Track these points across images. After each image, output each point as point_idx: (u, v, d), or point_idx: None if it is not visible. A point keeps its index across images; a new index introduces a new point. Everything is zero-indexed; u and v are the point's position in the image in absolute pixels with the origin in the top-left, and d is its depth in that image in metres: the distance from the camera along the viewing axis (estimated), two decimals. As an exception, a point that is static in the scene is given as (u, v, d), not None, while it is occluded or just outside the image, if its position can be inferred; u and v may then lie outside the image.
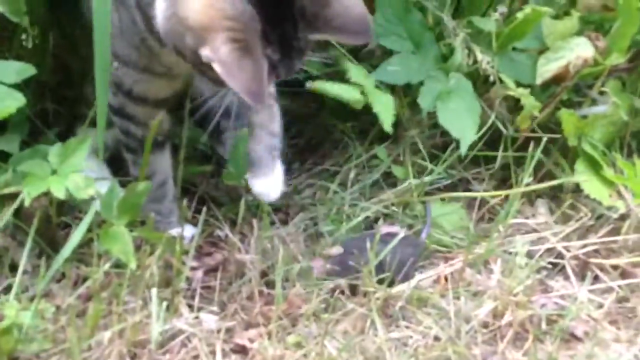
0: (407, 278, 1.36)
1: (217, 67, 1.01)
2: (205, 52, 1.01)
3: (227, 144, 1.58)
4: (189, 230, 1.40)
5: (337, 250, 1.37)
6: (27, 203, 1.18)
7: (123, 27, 1.19)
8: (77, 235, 1.23)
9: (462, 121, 1.54)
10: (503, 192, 1.57)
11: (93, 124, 1.32)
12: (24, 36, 1.61)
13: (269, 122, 1.41)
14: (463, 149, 1.53)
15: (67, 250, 1.22)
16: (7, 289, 1.25)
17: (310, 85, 1.47)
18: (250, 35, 1.02)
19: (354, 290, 1.34)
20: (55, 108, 1.66)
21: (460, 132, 1.54)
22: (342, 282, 1.34)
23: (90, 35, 1.33)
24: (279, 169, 1.41)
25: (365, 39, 1.19)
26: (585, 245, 1.47)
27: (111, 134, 1.44)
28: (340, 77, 1.57)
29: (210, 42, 1.00)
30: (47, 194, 1.21)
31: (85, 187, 1.20)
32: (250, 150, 1.38)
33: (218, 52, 1.00)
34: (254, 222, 1.42)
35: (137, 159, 1.37)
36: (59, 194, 1.20)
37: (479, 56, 1.57)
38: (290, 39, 1.07)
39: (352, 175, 1.66)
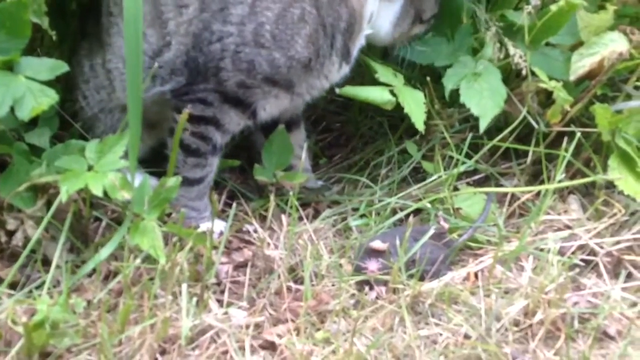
0: (437, 275, 1.35)
1: None
2: None
3: (258, 142, 1.61)
4: (218, 226, 1.41)
5: (381, 245, 1.34)
6: (64, 199, 1.18)
7: None
8: (117, 237, 1.23)
9: (484, 100, 1.53)
10: (535, 188, 1.54)
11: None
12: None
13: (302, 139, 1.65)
14: (482, 126, 1.52)
15: (106, 251, 1.23)
16: (40, 283, 1.26)
17: (339, 90, 1.47)
18: None
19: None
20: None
21: (481, 110, 1.53)
22: (372, 278, 1.33)
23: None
24: None
25: None
26: (618, 242, 1.44)
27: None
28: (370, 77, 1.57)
29: None
30: (81, 189, 1.21)
31: (122, 187, 1.20)
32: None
33: None
34: (283, 217, 1.42)
35: (201, 161, 1.41)
36: (97, 191, 1.19)
37: (511, 50, 1.55)
38: None
39: (382, 169, 1.65)
